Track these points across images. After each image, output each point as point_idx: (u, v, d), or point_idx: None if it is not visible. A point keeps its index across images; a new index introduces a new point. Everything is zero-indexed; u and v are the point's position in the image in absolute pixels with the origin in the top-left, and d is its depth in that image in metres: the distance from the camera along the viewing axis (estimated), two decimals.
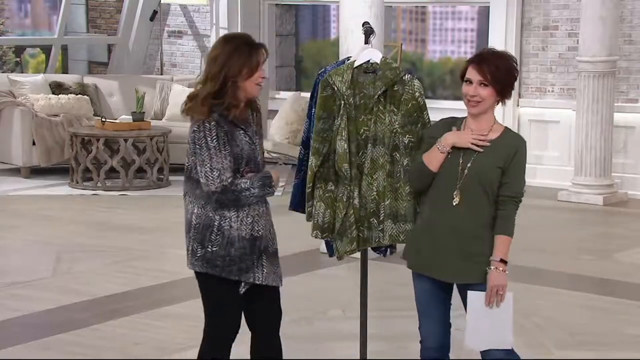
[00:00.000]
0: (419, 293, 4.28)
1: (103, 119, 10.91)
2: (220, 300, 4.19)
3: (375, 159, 4.70)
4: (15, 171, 11.29)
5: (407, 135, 4.70)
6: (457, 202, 4.11)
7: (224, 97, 4.05)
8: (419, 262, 4.26)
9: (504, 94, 4.14)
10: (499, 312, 4.09)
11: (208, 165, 4.00)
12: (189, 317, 6.31)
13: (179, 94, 11.86)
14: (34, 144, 11.08)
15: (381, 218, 4.73)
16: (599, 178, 10.11)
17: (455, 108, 11.40)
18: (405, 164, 4.72)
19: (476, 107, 4.17)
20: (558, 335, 5.90)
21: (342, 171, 4.67)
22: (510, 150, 4.12)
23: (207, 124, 4.02)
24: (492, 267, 4.06)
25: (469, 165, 4.11)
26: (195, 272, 4.19)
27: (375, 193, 4.71)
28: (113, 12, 13.99)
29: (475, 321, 4.12)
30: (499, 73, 4.09)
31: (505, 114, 10.47)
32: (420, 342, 4.34)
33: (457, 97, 12.39)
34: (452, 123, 4.30)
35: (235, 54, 4.04)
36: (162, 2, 13.14)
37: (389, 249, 5.03)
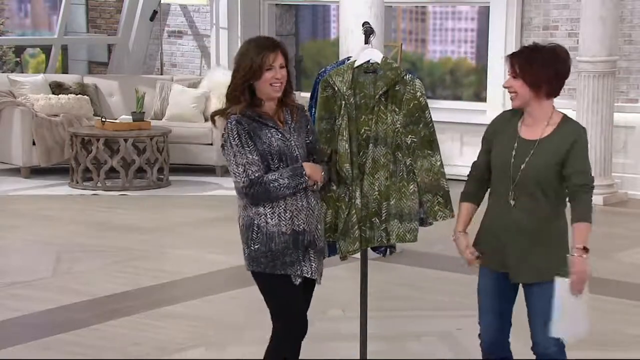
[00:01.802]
0: (482, 287, 4.30)
1: (103, 119, 10.91)
2: (277, 296, 4.22)
3: (376, 158, 4.71)
4: (15, 171, 11.29)
5: (410, 135, 4.71)
6: (513, 201, 4.14)
7: (235, 99, 4.15)
8: (486, 258, 4.27)
9: (538, 85, 4.09)
10: (581, 300, 4.12)
11: (233, 163, 4.10)
12: (189, 317, 6.31)
13: (179, 94, 11.86)
14: (34, 144, 11.07)
15: (383, 217, 4.73)
16: (599, 178, 10.10)
17: (455, 108, 11.41)
18: (408, 163, 4.73)
19: (514, 101, 4.17)
20: None
21: (344, 171, 4.67)
22: (566, 143, 4.11)
23: (228, 125, 4.13)
24: (575, 254, 4.10)
25: (523, 166, 4.12)
26: (251, 272, 4.25)
27: (377, 193, 4.72)
28: (113, 12, 13.99)
29: (562, 311, 4.11)
30: (529, 65, 4.08)
31: None
32: (479, 335, 4.36)
33: (457, 97, 12.39)
34: (512, 117, 4.25)
35: (244, 57, 4.14)
36: (162, 2, 13.14)
37: (388, 249, 5.04)
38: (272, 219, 4.13)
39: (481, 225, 4.35)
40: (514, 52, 4.19)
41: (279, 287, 4.20)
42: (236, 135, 4.09)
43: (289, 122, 4.23)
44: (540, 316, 4.21)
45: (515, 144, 4.16)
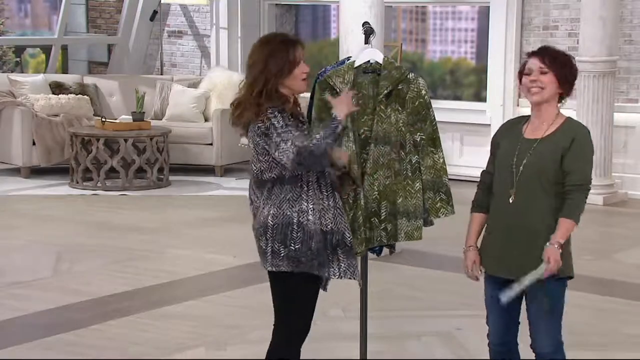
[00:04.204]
0: (486, 290, 4.35)
1: (103, 119, 10.91)
2: (303, 297, 4.18)
3: (376, 158, 4.71)
4: (15, 171, 11.29)
5: (419, 133, 4.73)
6: (512, 200, 4.16)
7: (270, 97, 4.08)
8: (486, 261, 4.31)
9: (564, 83, 4.18)
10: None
11: (281, 140, 4.00)
12: (189, 317, 6.31)
13: (179, 94, 11.86)
14: (34, 144, 11.07)
15: (382, 217, 4.73)
16: (599, 178, 10.10)
17: (455, 108, 11.40)
18: (414, 161, 4.73)
19: (538, 94, 4.19)
20: None
21: (354, 172, 4.67)
22: (566, 141, 4.14)
23: (270, 114, 4.05)
24: (548, 245, 4.08)
25: (524, 162, 4.15)
26: (275, 273, 4.16)
27: (376, 193, 4.72)
28: (113, 12, 13.99)
29: (520, 289, 4.15)
30: (558, 61, 4.18)
31: (505, 115, 10.46)
32: (487, 335, 4.41)
33: (457, 97, 12.38)
34: (517, 122, 4.33)
35: (272, 55, 4.10)
36: (162, 2, 13.13)
37: (387, 249, 5.03)
38: (312, 216, 4.09)
39: (484, 230, 4.38)
40: (539, 50, 4.24)
41: (310, 287, 4.17)
42: (280, 118, 4.03)
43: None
44: (536, 315, 4.23)
45: (519, 145, 4.20)
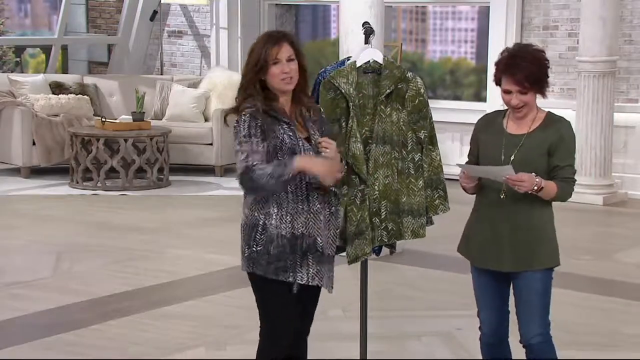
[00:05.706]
0: (476, 284, 4.40)
1: (103, 119, 10.91)
2: (270, 300, 4.16)
3: (376, 158, 4.71)
4: (15, 171, 11.29)
5: (422, 131, 4.75)
6: (503, 195, 4.19)
7: (249, 91, 4.08)
8: (475, 256, 4.34)
9: (543, 88, 4.21)
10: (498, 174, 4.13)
11: (239, 150, 4.01)
12: (189, 317, 6.31)
13: (179, 94, 11.86)
14: (34, 144, 11.08)
15: (382, 216, 4.74)
16: (599, 178, 10.11)
17: (455, 108, 11.41)
18: (416, 159, 4.74)
19: (522, 110, 4.22)
20: (557, 335, 5.87)
21: (363, 173, 4.66)
22: (553, 137, 4.20)
23: (241, 118, 4.05)
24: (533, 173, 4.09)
25: (512, 158, 4.18)
26: (247, 273, 4.19)
27: (377, 192, 4.72)
28: (113, 12, 13.99)
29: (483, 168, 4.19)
30: (534, 74, 4.15)
31: None
32: (479, 327, 4.45)
33: (457, 97, 12.38)
34: (495, 117, 4.35)
35: (252, 52, 4.10)
36: (162, 2, 13.14)
37: (387, 249, 5.03)
38: (276, 221, 4.05)
39: (468, 226, 4.40)
40: (511, 66, 4.15)
41: (272, 292, 4.12)
42: (247, 127, 4.00)
43: (307, 121, 4.15)
44: (525, 306, 4.27)
45: (504, 140, 4.23)
